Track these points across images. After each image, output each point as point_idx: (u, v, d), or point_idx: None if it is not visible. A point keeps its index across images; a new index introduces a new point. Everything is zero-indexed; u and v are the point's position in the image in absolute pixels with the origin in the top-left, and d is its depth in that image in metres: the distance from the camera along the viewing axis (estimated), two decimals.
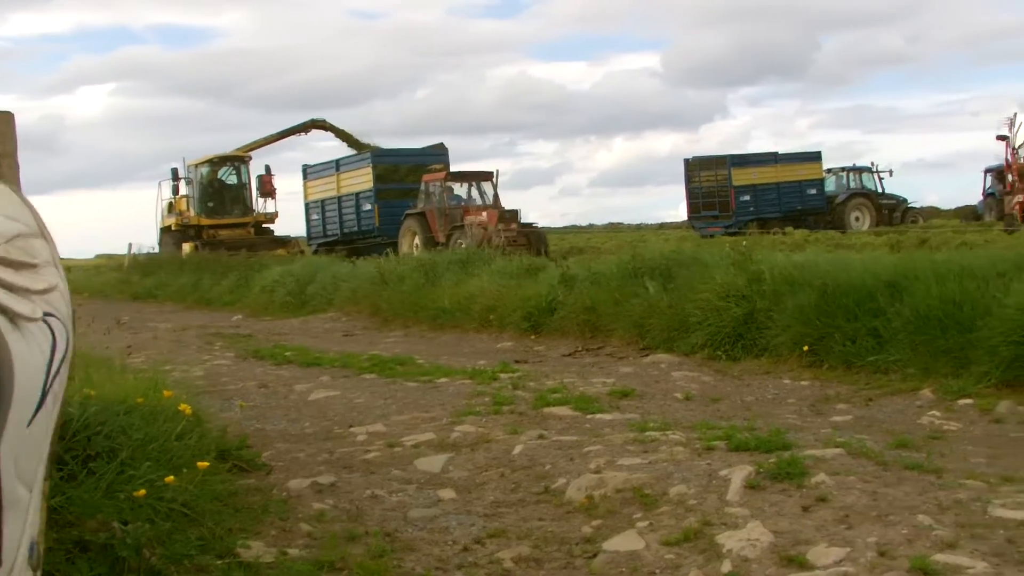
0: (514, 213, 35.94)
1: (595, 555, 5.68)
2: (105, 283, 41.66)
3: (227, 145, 45.21)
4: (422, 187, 38.28)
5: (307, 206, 48.07)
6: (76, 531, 4.91)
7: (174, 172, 45.77)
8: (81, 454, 5.58)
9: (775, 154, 52.92)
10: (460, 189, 38.74)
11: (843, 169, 54.85)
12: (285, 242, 44.99)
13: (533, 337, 16.11)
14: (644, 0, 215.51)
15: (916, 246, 27.08)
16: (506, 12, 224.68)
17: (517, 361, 13.47)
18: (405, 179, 42.87)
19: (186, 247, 42.92)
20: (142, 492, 5.26)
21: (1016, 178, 42.43)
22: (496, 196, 37.94)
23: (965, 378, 9.63)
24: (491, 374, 11.82)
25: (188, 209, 45.33)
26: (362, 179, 43.45)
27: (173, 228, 45.63)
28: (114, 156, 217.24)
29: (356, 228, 44.08)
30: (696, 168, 52.00)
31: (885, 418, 8.98)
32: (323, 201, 46.53)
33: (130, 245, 48.06)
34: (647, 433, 8.04)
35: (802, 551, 5.24)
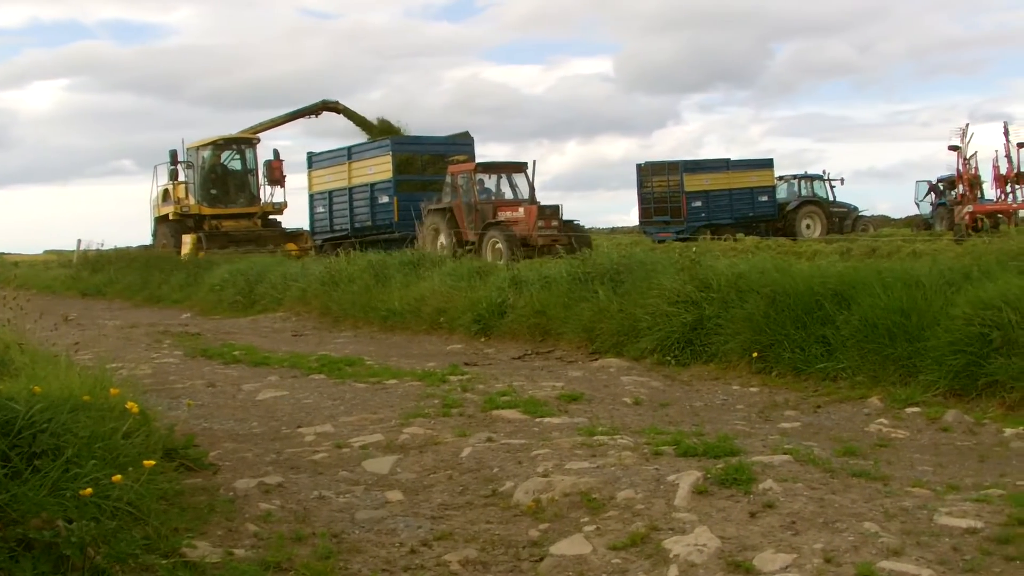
0: (555, 209, 32.71)
1: (542, 559, 5.68)
2: (54, 279, 41.22)
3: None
4: (447, 179, 34.60)
5: (312, 197, 43.31)
6: (20, 529, 4.87)
7: (172, 155, 40.97)
8: (26, 452, 5.53)
9: (727, 160, 52.98)
10: (489, 182, 35.00)
11: (795, 177, 55.05)
12: (296, 236, 41.51)
13: (483, 340, 16.10)
14: (597, 5, 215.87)
15: (866, 254, 27.24)
16: (460, 15, 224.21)
17: (467, 363, 13.46)
18: (424, 170, 39.23)
19: (187, 239, 39.06)
20: (88, 491, 5.21)
21: (967, 188, 42.78)
22: (532, 190, 34.28)
23: (913, 386, 9.70)
24: (440, 376, 11.81)
25: (187, 197, 41.15)
26: (379, 168, 38.97)
27: (171, 218, 41.38)
28: (64, 151, 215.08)
29: (370, 222, 39.40)
30: (648, 173, 51.89)
31: (833, 425, 9.03)
32: (331, 192, 41.86)
33: (79, 241, 46.85)
34: (595, 437, 8.06)
35: (749, 557, 5.26)
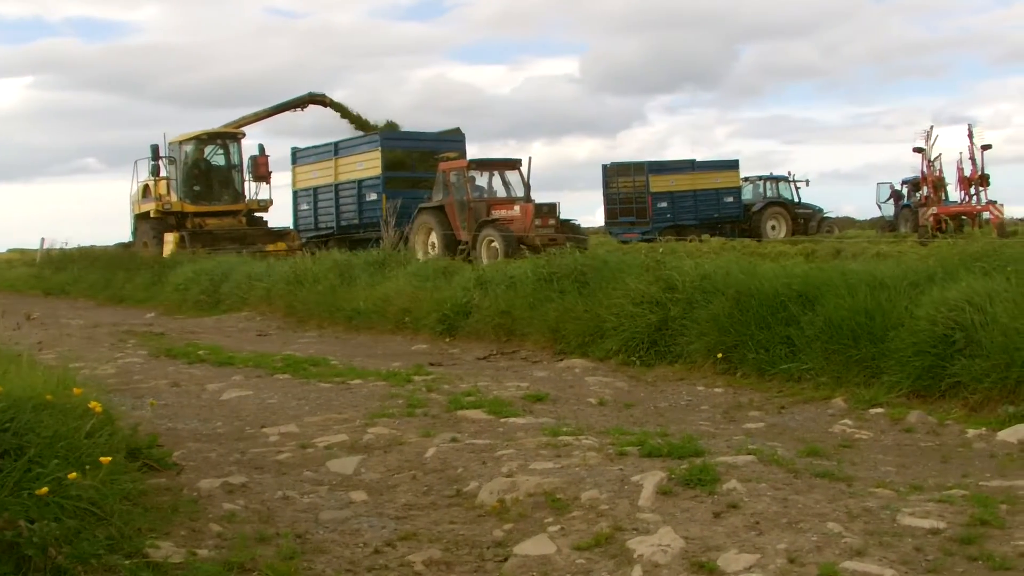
0: (552, 207, 31.41)
1: (506, 559, 5.67)
2: (17, 277, 40.97)
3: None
4: (439, 177, 33.31)
5: (295, 194, 42.05)
6: None
7: (154, 150, 39.18)
8: None
9: (692, 162, 53.05)
10: (481, 179, 33.70)
11: (760, 178, 55.18)
12: (284, 235, 39.17)
13: (448, 340, 16.09)
14: (563, 5, 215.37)
15: (831, 256, 27.31)
16: (426, 14, 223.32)
17: (431, 363, 13.45)
18: (415, 167, 38.20)
19: (169, 238, 36.74)
20: (44, 490, 5.17)
21: (931, 190, 43.00)
22: (527, 187, 32.75)
23: (876, 387, 9.73)
24: (405, 376, 11.79)
25: (169, 193, 38.82)
26: (368, 165, 37.62)
27: (152, 215, 39.16)
28: (28, 149, 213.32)
29: (357, 221, 38.31)
30: (614, 174, 51.88)
31: (797, 426, 9.05)
32: (316, 189, 40.63)
33: (43, 240, 46.52)
34: (560, 438, 8.05)
35: (712, 557, 5.27)
